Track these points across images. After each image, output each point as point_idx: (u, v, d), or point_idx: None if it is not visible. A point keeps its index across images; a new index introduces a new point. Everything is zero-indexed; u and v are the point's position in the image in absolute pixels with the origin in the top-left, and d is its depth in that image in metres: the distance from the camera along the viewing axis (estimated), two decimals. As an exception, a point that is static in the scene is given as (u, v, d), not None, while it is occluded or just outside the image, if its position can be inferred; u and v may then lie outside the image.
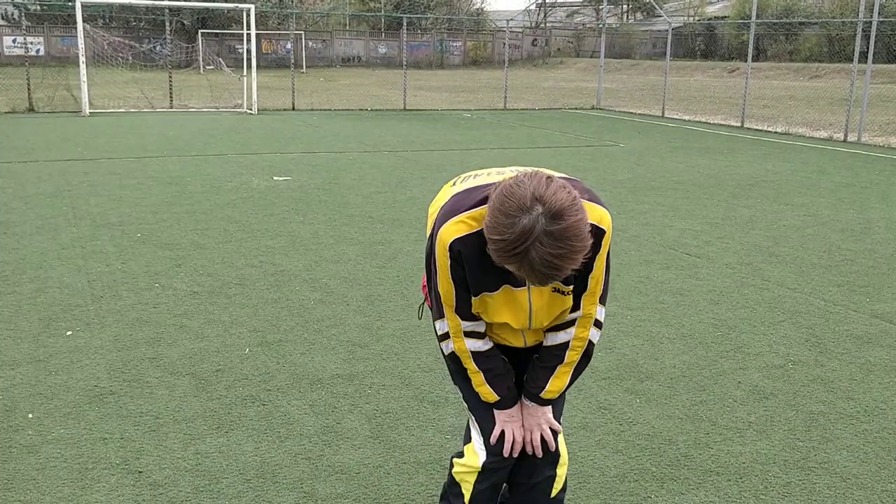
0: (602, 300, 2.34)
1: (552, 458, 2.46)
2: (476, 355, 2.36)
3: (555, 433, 2.45)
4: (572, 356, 2.36)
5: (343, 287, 5.75)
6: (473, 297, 2.26)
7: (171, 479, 3.24)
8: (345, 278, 5.96)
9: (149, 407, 3.86)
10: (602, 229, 2.18)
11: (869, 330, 5.10)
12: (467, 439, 2.53)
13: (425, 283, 2.43)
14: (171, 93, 20.73)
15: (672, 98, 23.76)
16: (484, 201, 2.10)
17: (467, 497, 2.50)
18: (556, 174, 2.08)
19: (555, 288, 2.23)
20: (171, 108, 20.26)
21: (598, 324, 2.36)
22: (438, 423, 3.76)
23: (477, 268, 2.18)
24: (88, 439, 3.53)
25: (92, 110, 18.30)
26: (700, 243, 7.25)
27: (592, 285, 2.28)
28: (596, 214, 2.17)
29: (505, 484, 2.60)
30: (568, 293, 2.25)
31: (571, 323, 2.34)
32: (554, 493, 2.53)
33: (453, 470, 2.54)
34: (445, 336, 2.36)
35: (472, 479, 2.47)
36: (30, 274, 5.89)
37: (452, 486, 2.55)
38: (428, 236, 2.30)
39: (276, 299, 5.46)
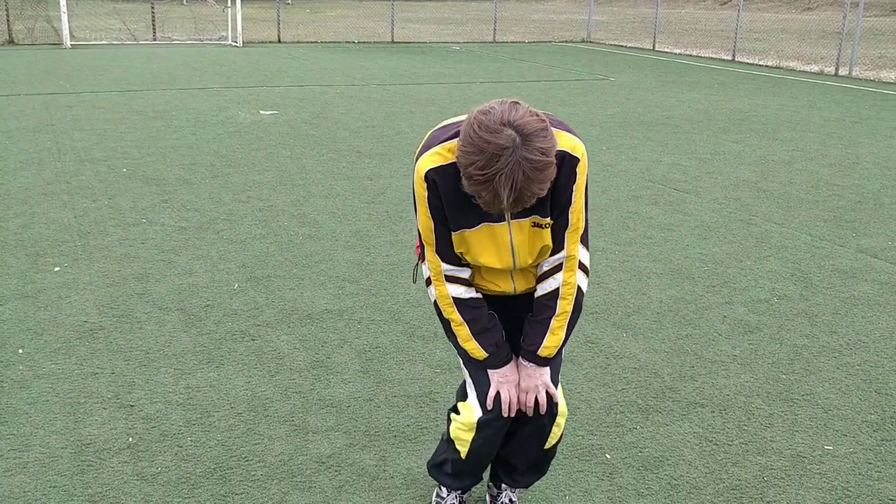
0: (583, 240, 2.32)
1: (550, 413, 2.43)
2: (459, 303, 2.32)
3: (554, 393, 2.41)
4: (564, 305, 2.33)
5: (332, 222, 5.74)
6: (454, 233, 2.24)
7: (163, 412, 3.28)
8: (333, 213, 5.94)
9: (139, 342, 3.87)
10: (576, 157, 2.16)
11: (854, 264, 5.15)
12: (462, 396, 2.51)
13: (419, 245, 2.40)
14: (153, 25, 20.31)
15: (663, 31, 23.47)
16: (459, 134, 2.09)
17: (464, 453, 2.50)
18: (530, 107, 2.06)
19: (534, 222, 2.22)
20: (155, 40, 19.88)
21: (583, 268, 2.34)
22: (428, 357, 3.80)
23: (454, 200, 2.16)
24: (79, 374, 3.55)
25: (73, 42, 17.95)
26: (688, 178, 7.25)
27: (574, 220, 2.25)
28: (568, 143, 2.15)
29: None
30: (546, 226, 2.23)
31: (559, 268, 2.31)
32: (548, 445, 2.52)
33: (450, 427, 2.52)
34: (429, 281, 2.35)
35: (469, 436, 2.44)
36: (15, 209, 5.84)
37: (450, 444, 2.54)
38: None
39: (264, 235, 5.45)
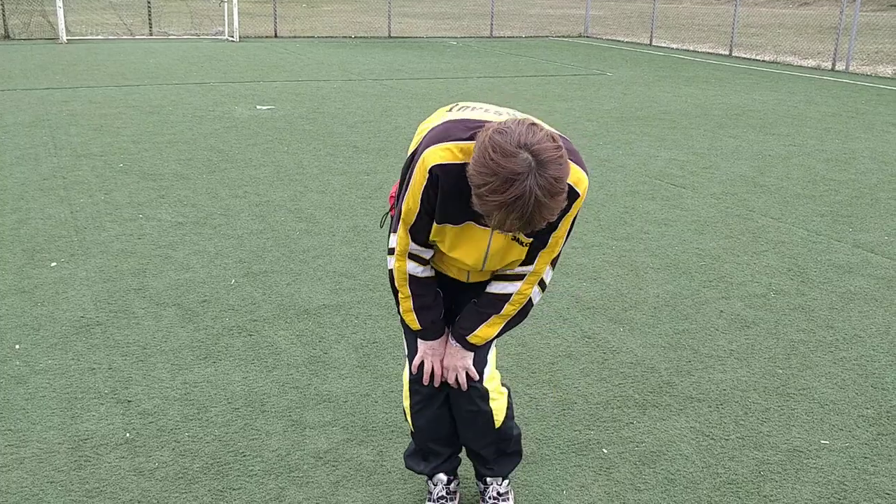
0: (553, 263, 2.36)
1: (479, 393, 2.48)
2: (412, 279, 2.36)
3: (474, 376, 2.47)
4: (509, 309, 2.37)
5: (329, 217, 5.73)
6: (437, 225, 2.24)
7: (160, 408, 3.28)
8: (330, 208, 5.94)
9: (136, 337, 3.87)
10: (577, 192, 2.17)
11: (851, 259, 5.16)
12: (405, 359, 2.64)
13: (393, 194, 2.43)
14: (150, 19, 20.26)
15: (660, 26, 23.46)
16: (475, 137, 2.09)
17: (411, 424, 2.61)
18: (548, 127, 2.06)
19: (515, 236, 2.22)
20: (151, 35, 19.83)
21: (542, 284, 2.38)
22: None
23: (450, 199, 2.17)
24: (76, 369, 3.55)
25: (69, 37, 17.90)
26: (685, 173, 7.25)
27: (552, 244, 2.27)
28: (575, 176, 2.15)
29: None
30: (526, 244, 2.25)
31: (520, 277, 2.34)
32: (498, 424, 2.56)
33: (402, 398, 2.66)
34: (392, 252, 2.36)
35: (407, 402, 2.58)
36: (11, 205, 5.83)
37: (405, 418, 2.68)
38: (411, 152, 2.28)
39: (261, 230, 5.44)
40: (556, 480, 2.88)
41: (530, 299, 2.39)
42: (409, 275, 2.35)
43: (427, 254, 2.34)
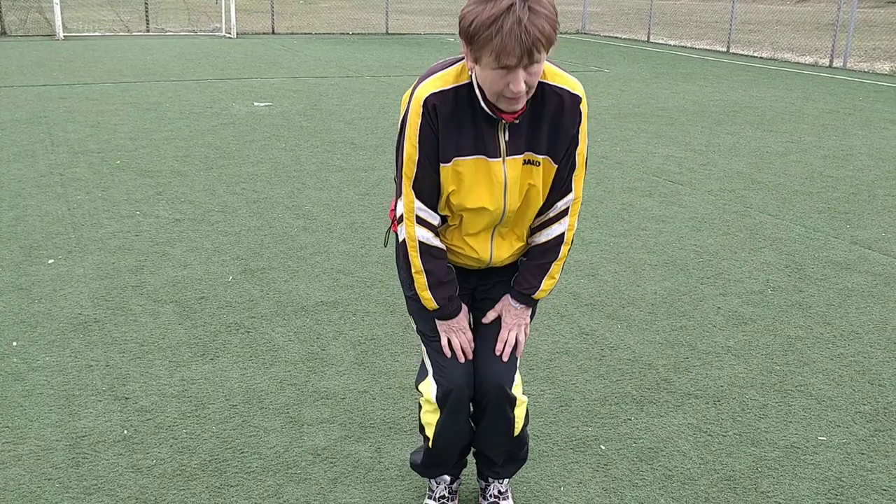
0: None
1: (509, 399, 2.45)
2: (424, 250, 2.29)
3: (512, 366, 2.45)
4: (565, 250, 2.39)
5: (326, 214, 5.73)
6: (446, 165, 2.18)
7: (158, 404, 3.27)
8: (328, 205, 5.94)
9: (133, 334, 3.87)
10: (577, 95, 2.19)
11: (848, 256, 5.16)
12: (422, 376, 2.51)
13: (393, 208, 2.40)
14: (147, 16, 20.22)
15: (658, 22, 23.44)
16: (459, 60, 2.15)
17: (431, 438, 2.53)
18: None
19: (527, 160, 2.21)
20: (148, 31, 19.79)
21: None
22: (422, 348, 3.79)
23: (451, 124, 2.15)
24: (74, 366, 3.55)
25: (66, 34, 17.86)
26: (683, 170, 7.25)
27: (580, 162, 2.29)
28: (569, 82, 2.19)
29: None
30: (538, 164, 2.22)
31: (564, 213, 2.34)
32: (516, 432, 2.55)
33: (420, 414, 2.56)
34: (401, 219, 2.32)
35: (435, 418, 2.47)
36: (8, 202, 5.82)
37: (421, 432, 2.59)
38: (400, 121, 2.27)
39: (258, 227, 5.44)
40: (554, 477, 2.88)
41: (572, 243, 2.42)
42: (420, 243, 2.29)
43: (434, 218, 2.28)
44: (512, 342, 2.43)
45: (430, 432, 2.52)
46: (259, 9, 24.79)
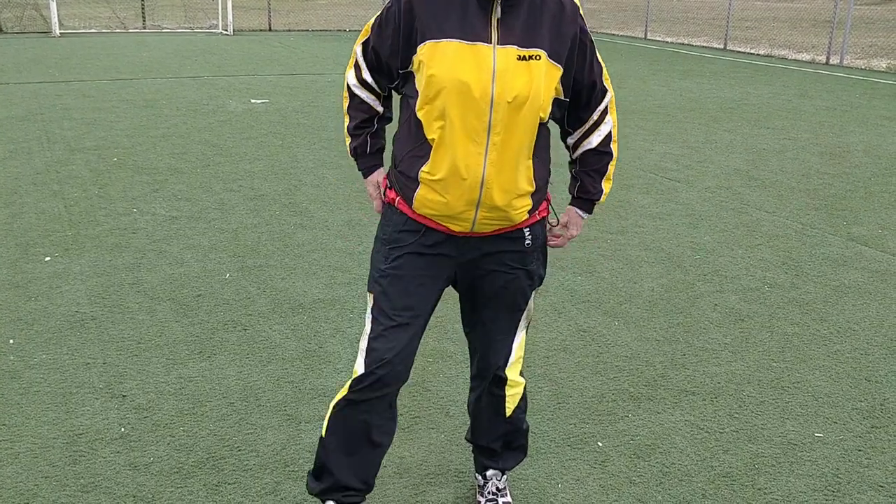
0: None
1: (498, 381, 2.49)
2: (351, 95, 2.39)
3: (509, 345, 2.47)
4: (615, 147, 2.40)
5: (323, 211, 5.73)
6: (433, 42, 2.09)
7: (155, 402, 3.27)
8: (325, 202, 5.93)
9: (130, 332, 3.87)
10: (577, 4, 2.20)
11: (845, 253, 5.17)
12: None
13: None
14: (143, 13, 20.18)
15: (655, 19, 23.44)
16: None
17: (324, 427, 2.40)
18: None
19: (522, 55, 2.08)
20: (144, 28, 19.75)
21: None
22: (420, 346, 3.79)
23: (436, 5, 2.10)
24: (71, 364, 3.55)
25: (62, 31, 17.82)
26: (680, 167, 7.26)
27: (597, 64, 2.28)
28: None
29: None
30: (538, 57, 2.09)
31: (605, 113, 2.34)
32: (509, 413, 2.54)
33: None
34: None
35: (342, 393, 2.34)
36: (4, 199, 5.81)
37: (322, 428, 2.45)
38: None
39: (255, 224, 5.43)
40: (552, 474, 2.89)
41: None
42: (349, 88, 2.38)
43: (367, 75, 2.33)
44: (569, 238, 2.47)
45: (326, 418, 2.39)
46: (256, 6, 24.76)
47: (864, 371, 3.68)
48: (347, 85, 2.39)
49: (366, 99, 2.38)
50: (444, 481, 2.83)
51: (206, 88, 10.94)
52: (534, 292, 2.46)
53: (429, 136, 2.16)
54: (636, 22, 23.70)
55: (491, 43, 2.08)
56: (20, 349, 3.67)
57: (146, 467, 2.86)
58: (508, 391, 2.53)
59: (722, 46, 18.53)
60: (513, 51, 2.08)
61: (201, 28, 20.08)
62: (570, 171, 2.45)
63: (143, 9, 20.24)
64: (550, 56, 2.12)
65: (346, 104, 2.42)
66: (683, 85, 12.47)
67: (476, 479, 2.76)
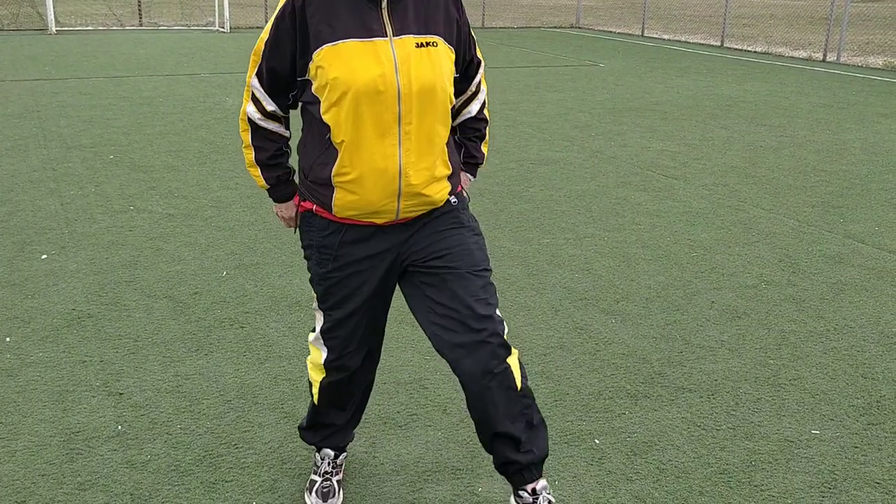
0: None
1: (501, 343, 2.27)
2: (253, 126, 2.32)
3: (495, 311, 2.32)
4: (487, 112, 2.54)
5: (320, 209, 5.71)
6: (330, 45, 2.11)
7: (152, 400, 3.27)
8: (322, 200, 5.92)
9: (127, 330, 3.86)
10: None
11: (841, 250, 5.18)
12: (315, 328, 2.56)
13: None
14: (139, 10, 20.14)
15: (652, 16, 23.44)
16: None
17: (315, 395, 2.63)
18: None
19: (420, 42, 2.15)
20: (141, 25, 19.72)
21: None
22: (417, 344, 3.80)
23: (324, 10, 2.13)
24: (68, 362, 3.54)
25: (58, 28, 17.79)
26: (677, 164, 7.26)
27: (471, 34, 2.38)
28: None
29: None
30: (436, 44, 2.18)
31: (479, 83, 2.47)
32: (519, 385, 2.32)
33: (308, 368, 2.64)
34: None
35: (319, 376, 2.57)
36: (0, 197, 5.80)
37: (309, 388, 2.72)
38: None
39: (252, 221, 5.43)
40: (549, 471, 2.89)
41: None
42: (250, 120, 2.31)
43: (270, 105, 2.28)
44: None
45: (314, 389, 2.62)
46: (252, 3, 24.72)
47: (861, 368, 3.68)
48: (249, 119, 2.32)
49: (272, 129, 2.34)
50: (442, 478, 2.83)
51: (202, 86, 10.92)
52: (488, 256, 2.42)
53: (338, 139, 2.18)
54: (633, 19, 23.70)
55: (387, 36, 2.13)
56: (17, 347, 3.66)
57: (143, 465, 2.86)
58: (511, 360, 2.31)
59: (719, 44, 18.54)
60: (410, 40, 2.14)
61: (198, 25, 20.05)
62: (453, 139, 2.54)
63: (139, 6, 20.20)
64: (446, 40, 2.23)
65: (249, 137, 2.34)
66: (680, 82, 12.48)
67: (517, 498, 2.43)
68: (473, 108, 2.49)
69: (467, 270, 2.30)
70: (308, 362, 2.62)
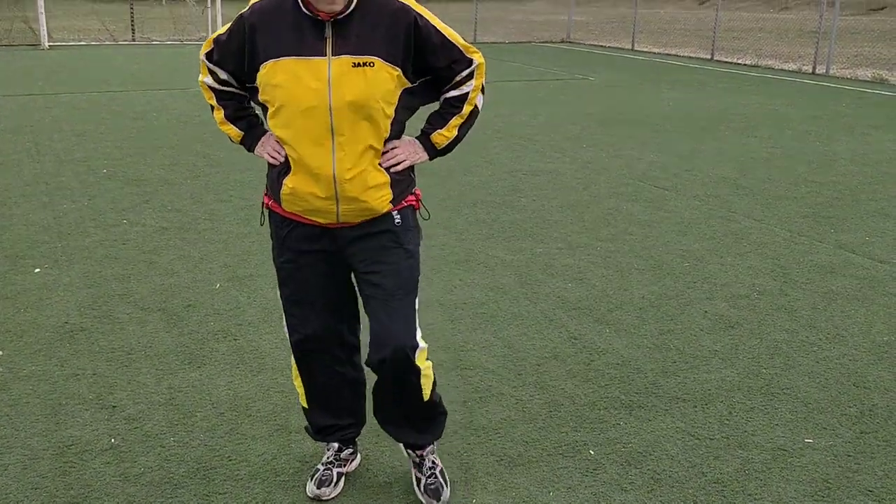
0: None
1: (413, 370, 2.56)
2: (213, 90, 2.57)
3: (412, 326, 2.55)
4: (466, 109, 2.55)
5: (313, 222, 5.72)
6: (271, 62, 2.32)
7: (146, 413, 3.26)
8: (315, 213, 5.93)
9: (120, 343, 3.85)
10: (407, 5, 2.36)
11: (833, 260, 5.20)
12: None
13: (266, 192, 2.61)
14: (132, 25, 20.18)
15: (642, 31, 23.58)
16: None
17: (302, 396, 2.80)
18: None
19: (356, 62, 2.30)
20: (134, 40, 19.75)
21: (482, 89, 2.58)
22: (411, 355, 3.79)
23: (270, 30, 2.32)
24: (61, 375, 3.53)
25: (51, 43, 17.80)
26: (668, 175, 7.29)
27: (457, 42, 2.45)
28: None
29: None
30: (372, 64, 2.31)
31: (471, 76, 2.52)
32: (426, 397, 2.66)
33: (292, 377, 2.83)
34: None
35: (296, 374, 2.77)
36: (-7, 211, 5.79)
37: (299, 400, 2.87)
38: None
39: (245, 234, 5.43)
40: (543, 482, 2.89)
41: (476, 106, 2.57)
42: (209, 85, 2.55)
43: (223, 73, 2.50)
44: (397, 159, 2.50)
45: (300, 391, 2.79)
46: (245, 18, 24.70)
47: (853, 377, 3.69)
48: (206, 85, 2.57)
49: (231, 90, 2.56)
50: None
51: (196, 100, 10.93)
52: (419, 273, 2.60)
53: (283, 144, 2.44)
54: (623, 33, 23.83)
55: (326, 55, 2.30)
56: (9, 360, 3.65)
57: (136, 478, 2.85)
58: (423, 382, 2.62)
59: (709, 57, 18.65)
60: (347, 59, 2.31)
61: (191, 40, 20.08)
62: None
63: (132, 21, 20.24)
64: (386, 59, 2.33)
65: (213, 99, 2.59)
66: (671, 95, 12.54)
67: (409, 455, 2.83)
68: (452, 93, 2.54)
69: (391, 292, 2.52)
70: (291, 372, 2.83)
